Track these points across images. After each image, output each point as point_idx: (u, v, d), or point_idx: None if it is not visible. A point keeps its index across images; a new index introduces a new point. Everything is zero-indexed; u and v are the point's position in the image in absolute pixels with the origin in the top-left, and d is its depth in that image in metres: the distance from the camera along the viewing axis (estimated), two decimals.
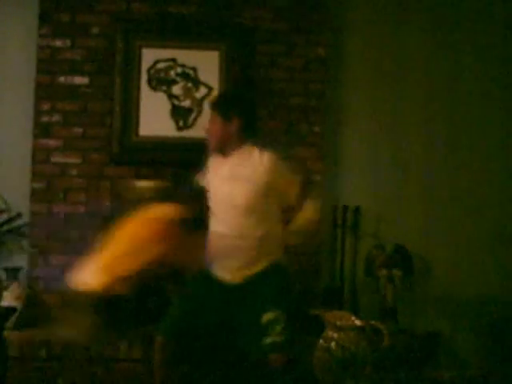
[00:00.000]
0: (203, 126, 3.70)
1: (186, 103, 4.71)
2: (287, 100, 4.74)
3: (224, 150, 3.54)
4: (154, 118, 4.68)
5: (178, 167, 4.64)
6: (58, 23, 4.64)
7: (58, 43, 4.64)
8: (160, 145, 4.65)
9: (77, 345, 4.18)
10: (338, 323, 3.81)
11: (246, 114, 3.55)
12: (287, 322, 3.38)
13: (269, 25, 4.74)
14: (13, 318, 4.24)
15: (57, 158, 4.63)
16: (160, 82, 4.69)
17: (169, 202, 3.45)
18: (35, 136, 4.63)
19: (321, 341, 3.82)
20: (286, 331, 3.36)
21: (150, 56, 4.68)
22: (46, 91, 4.63)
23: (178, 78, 4.71)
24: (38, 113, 4.62)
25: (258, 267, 3.47)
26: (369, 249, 4.75)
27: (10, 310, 4.03)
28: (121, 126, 4.62)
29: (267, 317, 3.35)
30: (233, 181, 3.47)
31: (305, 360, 4.04)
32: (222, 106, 3.54)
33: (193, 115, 4.71)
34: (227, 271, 3.50)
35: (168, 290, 4.81)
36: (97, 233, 4.59)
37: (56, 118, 4.63)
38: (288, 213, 3.55)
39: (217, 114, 3.52)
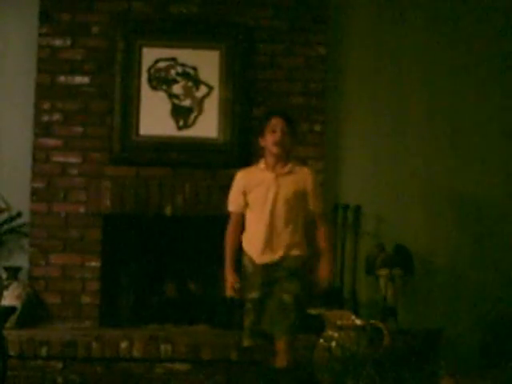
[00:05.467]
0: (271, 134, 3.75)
1: (187, 102, 4.71)
2: (287, 100, 4.74)
3: (280, 159, 3.75)
4: (155, 118, 4.68)
5: (177, 167, 4.65)
6: (58, 23, 4.64)
7: (59, 43, 4.64)
8: (160, 144, 4.65)
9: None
10: (339, 323, 3.81)
11: None
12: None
13: (269, 24, 4.74)
14: (13, 318, 4.25)
15: (57, 158, 4.63)
16: (160, 81, 4.69)
17: None
18: (35, 135, 4.63)
19: (321, 340, 3.82)
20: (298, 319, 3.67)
21: (150, 55, 4.68)
22: (46, 91, 4.63)
23: (179, 78, 4.71)
24: (38, 112, 4.63)
25: (287, 253, 3.72)
26: (369, 248, 4.75)
27: (10, 310, 4.03)
28: (121, 125, 4.62)
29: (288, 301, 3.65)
30: (279, 184, 3.71)
31: (305, 360, 4.04)
32: (291, 121, 3.79)
33: (193, 115, 4.71)
34: (267, 256, 3.72)
35: (168, 289, 4.83)
36: (97, 233, 4.63)
37: (56, 117, 4.63)
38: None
39: (287, 128, 3.74)
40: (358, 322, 3.81)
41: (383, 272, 4.59)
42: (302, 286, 3.71)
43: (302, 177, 3.76)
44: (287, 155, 3.75)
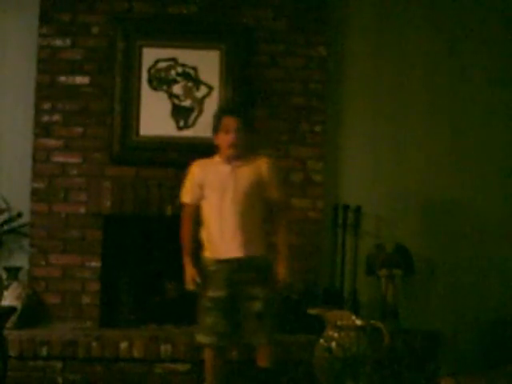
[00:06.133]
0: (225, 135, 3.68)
1: (187, 103, 4.71)
2: (287, 100, 4.74)
3: (238, 154, 3.66)
4: (155, 118, 4.68)
5: (178, 167, 4.65)
6: (58, 23, 4.64)
7: (59, 43, 4.64)
8: (160, 144, 4.65)
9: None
10: (339, 323, 3.80)
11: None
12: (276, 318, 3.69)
13: (269, 24, 4.74)
14: (13, 318, 4.25)
15: (57, 158, 4.63)
16: (160, 81, 4.69)
17: None
18: (36, 136, 4.63)
19: (321, 340, 3.82)
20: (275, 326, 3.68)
21: (150, 55, 4.68)
22: (46, 91, 4.63)
23: (179, 78, 4.71)
24: (38, 112, 4.63)
25: (250, 252, 3.64)
26: (369, 248, 4.76)
27: (10, 310, 4.03)
28: (121, 125, 4.62)
29: (260, 308, 3.60)
30: (236, 177, 3.63)
31: (305, 360, 4.04)
32: (244, 114, 3.72)
33: (193, 115, 4.71)
34: (228, 251, 3.64)
35: (168, 289, 4.82)
36: (97, 233, 4.63)
37: (56, 117, 4.63)
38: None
39: (241, 125, 3.64)
40: (358, 322, 3.81)
41: (383, 272, 4.59)
42: (270, 288, 3.65)
43: (259, 165, 3.67)
44: (245, 151, 3.65)
